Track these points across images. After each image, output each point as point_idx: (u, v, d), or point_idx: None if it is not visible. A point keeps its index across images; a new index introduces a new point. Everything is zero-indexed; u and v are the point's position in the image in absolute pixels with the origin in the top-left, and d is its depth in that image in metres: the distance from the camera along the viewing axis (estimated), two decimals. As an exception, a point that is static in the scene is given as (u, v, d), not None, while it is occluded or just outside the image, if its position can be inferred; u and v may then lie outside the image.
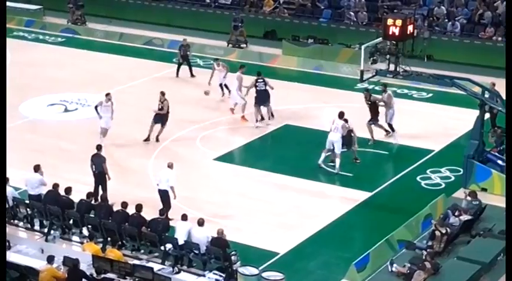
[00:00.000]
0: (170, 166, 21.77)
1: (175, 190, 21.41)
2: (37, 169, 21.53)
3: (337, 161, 24.31)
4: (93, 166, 22.60)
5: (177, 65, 33.30)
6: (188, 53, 33.17)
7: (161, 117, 26.53)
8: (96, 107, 26.51)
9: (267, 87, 27.71)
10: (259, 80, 27.73)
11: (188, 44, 33.41)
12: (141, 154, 25.76)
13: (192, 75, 32.84)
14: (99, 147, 22.96)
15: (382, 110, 26.66)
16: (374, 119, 26.48)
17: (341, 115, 24.68)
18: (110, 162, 23.38)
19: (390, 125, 26.75)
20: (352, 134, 24.72)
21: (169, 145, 26.56)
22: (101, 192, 21.99)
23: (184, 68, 33.02)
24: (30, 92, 31.11)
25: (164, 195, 21.43)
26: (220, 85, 30.22)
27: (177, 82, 32.34)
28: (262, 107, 27.76)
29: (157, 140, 26.52)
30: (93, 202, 20.98)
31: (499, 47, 33.37)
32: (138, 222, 19.62)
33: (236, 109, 28.57)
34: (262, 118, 27.86)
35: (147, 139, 26.51)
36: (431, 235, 19.56)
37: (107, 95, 26.56)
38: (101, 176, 22.44)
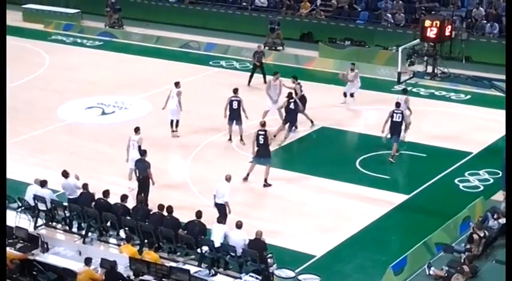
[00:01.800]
0: (228, 179, 21.28)
1: (229, 205, 21.09)
2: (66, 174, 21.50)
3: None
4: (137, 171, 22.64)
5: (250, 73, 32.55)
6: (262, 60, 32.44)
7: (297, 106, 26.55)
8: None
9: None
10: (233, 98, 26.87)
11: (263, 51, 32.86)
12: (178, 156, 25.84)
13: (265, 83, 30.75)
14: (143, 152, 22.91)
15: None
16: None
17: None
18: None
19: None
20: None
21: (206, 146, 26.59)
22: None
23: (257, 76, 32.44)
24: (68, 95, 31.35)
25: (221, 209, 20.99)
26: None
27: (209, 85, 32.38)
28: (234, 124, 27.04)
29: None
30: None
31: (539, 48, 33.04)
32: (173, 224, 19.65)
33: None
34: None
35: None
36: (470, 238, 19.38)
37: (177, 84, 27.24)
38: (144, 181, 22.45)
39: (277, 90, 28.00)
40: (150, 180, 22.50)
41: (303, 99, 27.54)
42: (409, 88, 29.99)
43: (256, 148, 23.89)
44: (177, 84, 27.33)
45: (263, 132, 23.92)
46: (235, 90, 27.00)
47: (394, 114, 24.91)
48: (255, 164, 24.07)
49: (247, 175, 24.00)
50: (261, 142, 23.83)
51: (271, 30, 37.20)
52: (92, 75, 33.92)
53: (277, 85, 28.11)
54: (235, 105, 26.66)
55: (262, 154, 23.88)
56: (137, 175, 22.67)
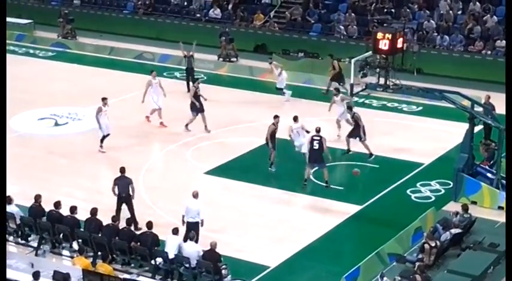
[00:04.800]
0: (196, 196, 20.87)
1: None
2: (10, 200, 21.15)
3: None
4: (117, 188, 21.85)
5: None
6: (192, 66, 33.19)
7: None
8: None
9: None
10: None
11: (192, 55, 33.18)
12: (132, 167, 25.69)
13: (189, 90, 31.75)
14: (123, 169, 22.21)
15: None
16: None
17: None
18: (100, 175, 23.24)
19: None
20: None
21: (160, 158, 26.57)
22: (123, 214, 21.41)
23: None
24: (21, 106, 31.05)
25: (195, 227, 20.40)
26: None
27: (169, 95, 32.35)
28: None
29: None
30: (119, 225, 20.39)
31: (488, 60, 33.60)
32: (128, 236, 19.59)
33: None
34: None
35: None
36: (421, 248, 19.61)
37: (104, 99, 26.86)
38: (127, 199, 21.82)
39: (158, 88, 29.09)
40: (132, 196, 21.86)
41: None
42: (361, 100, 30.34)
43: (309, 153, 24.34)
44: (104, 99, 26.97)
45: (318, 138, 24.22)
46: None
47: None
48: (311, 169, 24.49)
49: (305, 180, 24.36)
50: (316, 148, 24.20)
51: (225, 40, 37.21)
52: (45, 86, 33.68)
53: (158, 83, 29.23)
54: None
55: (317, 159, 24.31)
56: (116, 192, 21.83)
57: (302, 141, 25.62)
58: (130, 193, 21.86)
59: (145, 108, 29.51)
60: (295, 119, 26.02)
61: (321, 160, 24.41)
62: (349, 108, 26.80)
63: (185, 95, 31.11)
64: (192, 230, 20.01)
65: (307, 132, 25.64)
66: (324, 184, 24.33)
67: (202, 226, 20.59)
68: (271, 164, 25.58)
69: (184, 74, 33.36)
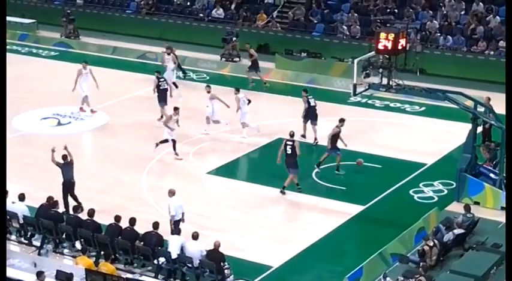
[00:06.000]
0: (173, 193, 20.96)
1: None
2: (22, 197, 21.37)
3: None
4: (64, 174, 22.33)
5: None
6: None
7: None
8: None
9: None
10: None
11: (170, 47, 33.70)
12: (133, 168, 25.73)
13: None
14: (64, 157, 22.61)
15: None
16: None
17: None
18: (102, 175, 23.21)
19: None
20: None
21: (162, 158, 26.56)
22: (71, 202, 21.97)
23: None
24: (23, 106, 31.08)
25: (177, 224, 20.68)
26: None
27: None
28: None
29: None
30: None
31: (491, 61, 33.56)
32: (131, 236, 19.59)
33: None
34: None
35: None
36: (421, 252, 19.50)
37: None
38: (69, 185, 22.24)
39: (88, 78, 30.27)
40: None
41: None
42: (364, 100, 30.32)
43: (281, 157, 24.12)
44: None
45: (291, 143, 23.98)
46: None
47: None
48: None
49: (297, 184, 24.08)
50: (289, 152, 23.90)
51: (227, 41, 37.26)
52: (48, 86, 33.67)
53: (88, 72, 30.37)
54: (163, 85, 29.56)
55: (290, 164, 23.91)
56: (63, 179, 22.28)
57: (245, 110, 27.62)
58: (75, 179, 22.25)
59: (149, 108, 29.52)
60: (238, 90, 28.26)
61: (294, 165, 23.94)
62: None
63: (185, 94, 31.18)
64: (177, 227, 20.31)
65: (249, 101, 27.99)
66: (281, 188, 23.96)
67: (183, 221, 20.88)
68: (337, 168, 25.39)
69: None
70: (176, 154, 26.30)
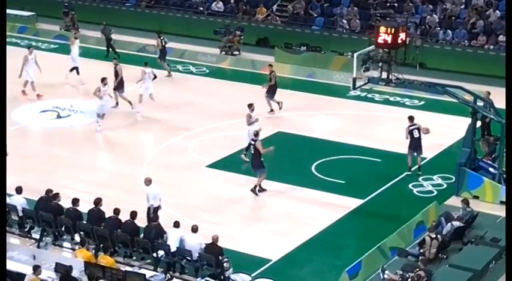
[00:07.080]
0: (149, 182, 21.20)
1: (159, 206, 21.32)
2: (20, 190, 21.35)
3: None
4: None
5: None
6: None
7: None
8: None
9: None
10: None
11: (107, 28, 35.99)
12: (133, 161, 25.74)
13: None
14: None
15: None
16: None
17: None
18: (101, 167, 23.15)
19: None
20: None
21: (161, 151, 26.56)
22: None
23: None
24: (23, 99, 31.05)
25: (156, 211, 20.97)
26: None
27: (170, 88, 32.36)
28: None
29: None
30: None
31: (491, 55, 33.57)
32: (131, 229, 19.60)
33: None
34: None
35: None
36: (422, 241, 19.61)
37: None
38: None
39: (33, 64, 31.28)
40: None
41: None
42: (363, 94, 30.30)
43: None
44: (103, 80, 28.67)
45: (253, 142, 23.67)
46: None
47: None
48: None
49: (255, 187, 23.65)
50: (252, 152, 23.63)
51: (215, 32, 37.27)
52: (47, 79, 33.59)
53: (33, 59, 31.38)
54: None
55: (254, 164, 23.63)
56: None
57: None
58: None
59: (149, 100, 29.50)
60: (146, 64, 29.94)
61: (257, 165, 23.52)
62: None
63: (182, 88, 31.15)
64: (155, 214, 20.48)
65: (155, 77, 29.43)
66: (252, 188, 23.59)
67: (161, 208, 21.14)
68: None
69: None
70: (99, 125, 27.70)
